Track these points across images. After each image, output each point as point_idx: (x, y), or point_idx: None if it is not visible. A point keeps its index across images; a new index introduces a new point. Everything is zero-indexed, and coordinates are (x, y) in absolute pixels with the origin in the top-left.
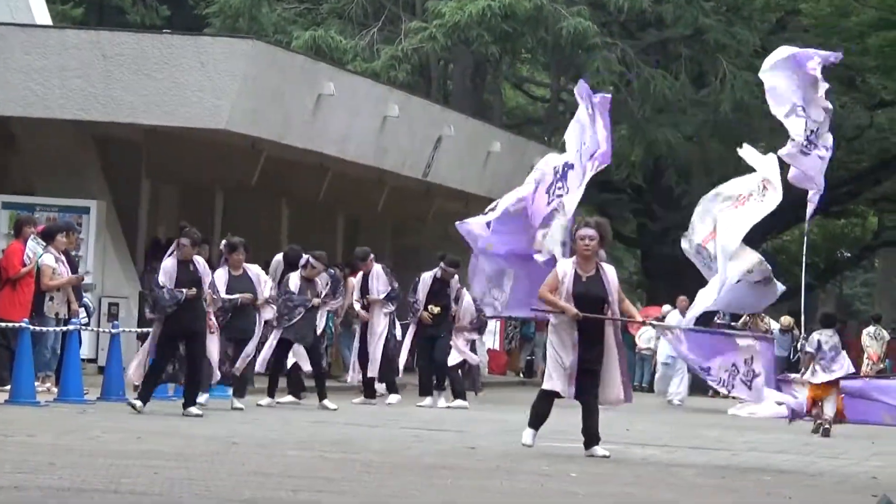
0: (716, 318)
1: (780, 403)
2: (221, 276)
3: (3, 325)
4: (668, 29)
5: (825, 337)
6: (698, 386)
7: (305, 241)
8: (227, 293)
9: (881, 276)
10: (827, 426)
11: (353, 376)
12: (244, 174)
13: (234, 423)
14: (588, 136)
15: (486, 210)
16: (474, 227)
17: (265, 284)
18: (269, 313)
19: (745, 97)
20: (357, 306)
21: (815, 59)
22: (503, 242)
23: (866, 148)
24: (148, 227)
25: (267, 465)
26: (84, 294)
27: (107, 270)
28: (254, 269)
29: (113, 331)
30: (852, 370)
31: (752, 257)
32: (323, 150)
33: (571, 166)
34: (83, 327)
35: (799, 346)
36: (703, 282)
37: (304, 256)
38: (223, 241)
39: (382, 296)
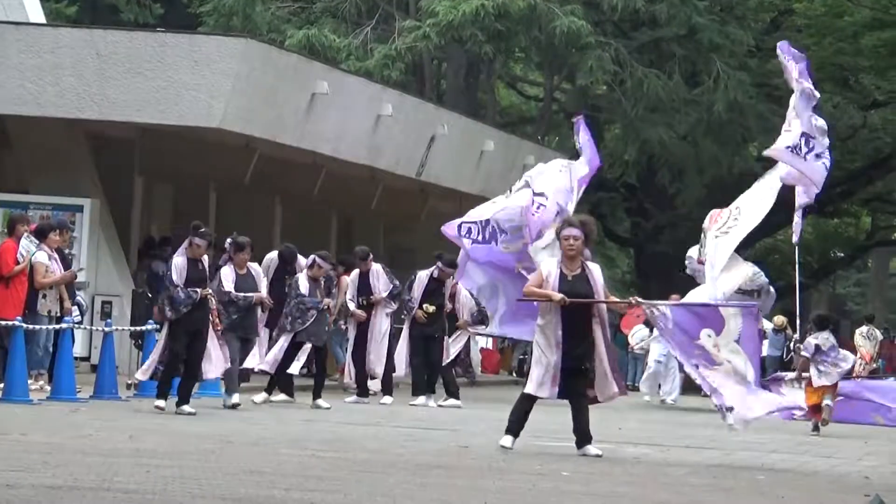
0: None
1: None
2: (229, 274)
3: None
4: (662, 28)
5: (821, 339)
6: (691, 385)
7: (299, 240)
8: (235, 291)
9: (874, 275)
10: (826, 417)
11: (349, 381)
12: (238, 173)
13: (227, 421)
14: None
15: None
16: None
17: (263, 283)
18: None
19: (739, 97)
20: (352, 305)
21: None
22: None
23: (860, 148)
24: (141, 225)
25: (260, 463)
26: (77, 292)
27: (100, 269)
28: (255, 268)
29: (106, 329)
30: (853, 362)
31: (745, 270)
32: (316, 149)
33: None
34: (76, 325)
35: (792, 345)
36: (695, 281)
37: (311, 256)
38: (228, 240)
39: (386, 294)
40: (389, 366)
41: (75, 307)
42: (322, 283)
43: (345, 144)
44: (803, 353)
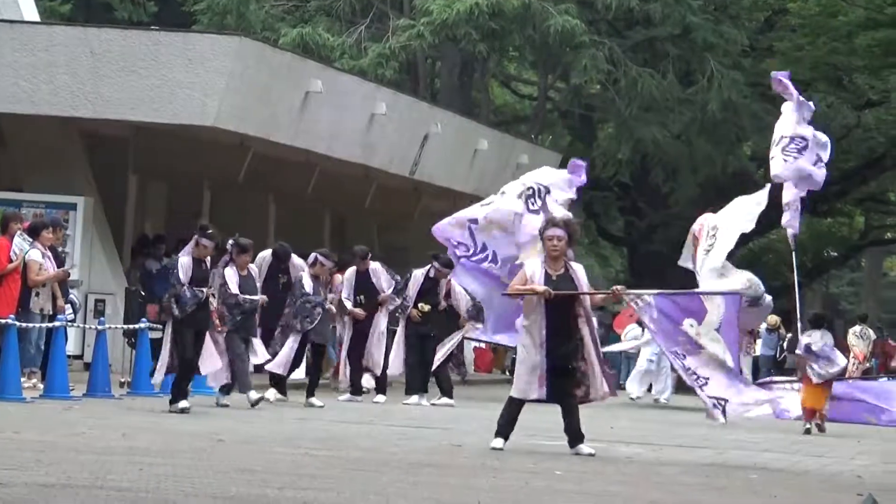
0: None
1: (761, 403)
2: (233, 276)
3: None
4: (656, 27)
5: (813, 338)
6: (684, 385)
7: (292, 238)
8: (239, 293)
9: (867, 275)
10: (820, 423)
11: (343, 380)
12: (232, 171)
13: (220, 419)
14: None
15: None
16: (451, 231)
17: (258, 282)
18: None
19: (733, 96)
20: (349, 304)
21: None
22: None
23: (853, 147)
24: (135, 223)
25: (253, 461)
26: (70, 290)
27: (93, 267)
28: (253, 269)
29: (99, 327)
30: (845, 363)
31: (739, 277)
32: (310, 147)
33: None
34: (69, 323)
35: (786, 345)
36: (689, 280)
37: (312, 254)
38: (230, 241)
39: (391, 290)
40: (384, 365)
41: (68, 305)
42: (322, 280)
43: (339, 143)
44: (798, 351)
